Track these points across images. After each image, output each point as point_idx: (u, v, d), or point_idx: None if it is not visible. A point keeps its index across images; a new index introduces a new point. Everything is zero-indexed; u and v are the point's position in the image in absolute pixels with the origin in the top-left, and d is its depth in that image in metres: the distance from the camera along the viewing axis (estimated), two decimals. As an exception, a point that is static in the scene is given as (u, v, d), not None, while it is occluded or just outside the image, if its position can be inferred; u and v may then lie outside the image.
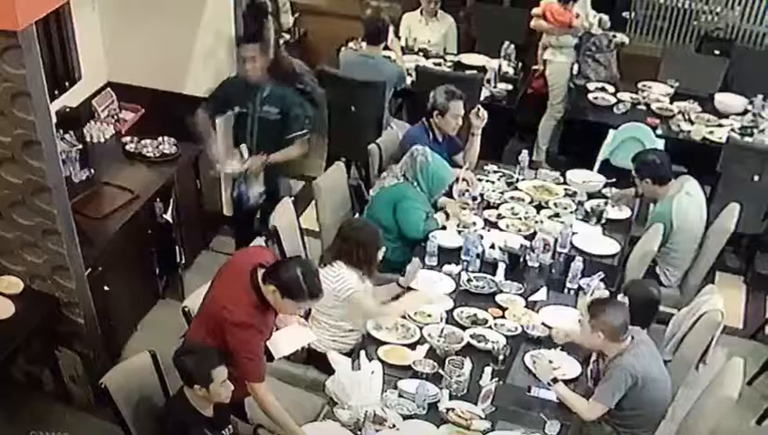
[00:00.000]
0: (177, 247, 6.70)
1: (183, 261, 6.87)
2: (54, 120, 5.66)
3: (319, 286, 4.68)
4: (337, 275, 5.35)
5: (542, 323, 5.47)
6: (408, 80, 8.35)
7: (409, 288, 5.66)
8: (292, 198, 6.33)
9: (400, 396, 4.89)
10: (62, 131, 6.36)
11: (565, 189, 6.90)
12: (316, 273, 4.75)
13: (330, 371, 5.01)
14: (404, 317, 5.46)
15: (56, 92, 6.45)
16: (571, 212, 6.57)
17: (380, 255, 5.52)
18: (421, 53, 9.13)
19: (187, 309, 5.14)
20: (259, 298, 4.64)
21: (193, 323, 4.96)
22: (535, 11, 8.73)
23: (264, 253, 5.00)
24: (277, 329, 4.95)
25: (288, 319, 5.03)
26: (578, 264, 5.84)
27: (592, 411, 4.90)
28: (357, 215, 6.58)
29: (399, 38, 9.11)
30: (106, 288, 5.83)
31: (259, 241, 5.64)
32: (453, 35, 9.41)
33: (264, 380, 4.73)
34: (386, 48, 8.39)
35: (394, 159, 6.76)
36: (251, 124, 6.54)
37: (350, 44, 8.67)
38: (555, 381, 4.94)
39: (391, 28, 8.37)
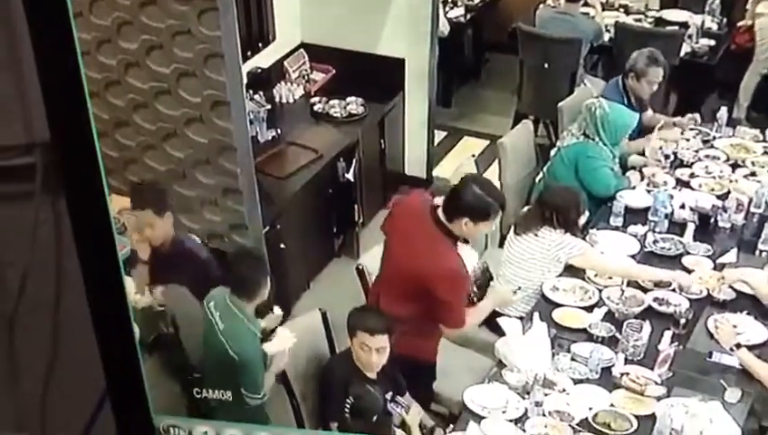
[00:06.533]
0: (356, 206, 6.64)
1: (361, 220, 6.79)
2: (245, 80, 5.65)
3: (500, 192, 4.61)
4: (560, 243, 5.17)
5: (730, 287, 5.09)
6: (606, 36, 8.04)
7: None
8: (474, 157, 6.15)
9: (573, 360, 4.64)
10: (251, 92, 6.38)
11: (764, 147, 6.46)
12: (489, 181, 4.65)
13: (500, 332, 4.80)
14: (583, 279, 5.21)
15: (249, 53, 6.39)
16: (769, 171, 6.16)
17: (583, 220, 5.34)
18: (622, 9, 8.72)
19: (360, 267, 5.06)
20: (453, 240, 4.50)
21: (375, 292, 4.86)
22: None
23: (423, 195, 4.83)
24: None
25: None
26: (772, 225, 5.47)
27: None
28: (540, 175, 6.33)
29: (600, -7, 8.78)
30: (282, 246, 5.79)
31: None
32: (657, -10, 8.99)
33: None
34: (585, 4, 8.12)
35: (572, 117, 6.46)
36: None
37: (549, 1, 8.39)
38: (738, 346, 4.60)
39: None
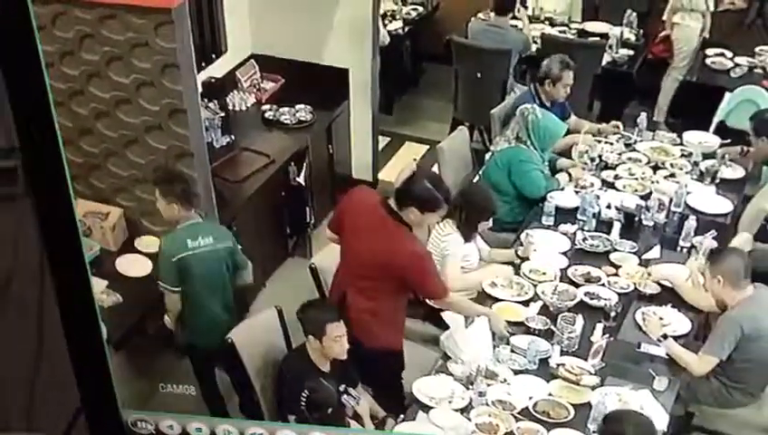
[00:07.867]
0: (307, 208, 6.53)
1: (313, 221, 6.67)
2: (200, 90, 5.54)
3: (447, 188, 4.51)
4: (446, 235, 5.15)
5: (654, 282, 5.14)
6: (534, 47, 8.01)
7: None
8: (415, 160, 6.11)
9: (512, 352, 4.63)
10: (206, 100, 6.27)
11: (681, 150, 6.46)
12: (439, 177, 4.63)
13: (445, 326, 4.79)
14: (518, 275, 5.19)
15: (203, 64, 6.29)
16: (687, 172, 6.16)
17: (482, 227, 5.29)
18: (547, 22, 8.70)
19: (313, 266, 4.99)
20: (406, 226, 4.44)
21: (339, 288, 4.72)
22: None
23: (367, 190, 4.80)
24: None
25: None
26: (691, 222, 5.48)
27: (702, 365, 4.57)
28: (477, 178, 6.27)
29: (527, 8, 8.73)
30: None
31: None
32: (578, 4, 8.91)
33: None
34: (513, 18, 8.06)
35: (502, 123, 6.44)
36: None
37: (480, 15, 8.36)
38: (665, 337, 4.63)
39: (519, -1, 8.03)
